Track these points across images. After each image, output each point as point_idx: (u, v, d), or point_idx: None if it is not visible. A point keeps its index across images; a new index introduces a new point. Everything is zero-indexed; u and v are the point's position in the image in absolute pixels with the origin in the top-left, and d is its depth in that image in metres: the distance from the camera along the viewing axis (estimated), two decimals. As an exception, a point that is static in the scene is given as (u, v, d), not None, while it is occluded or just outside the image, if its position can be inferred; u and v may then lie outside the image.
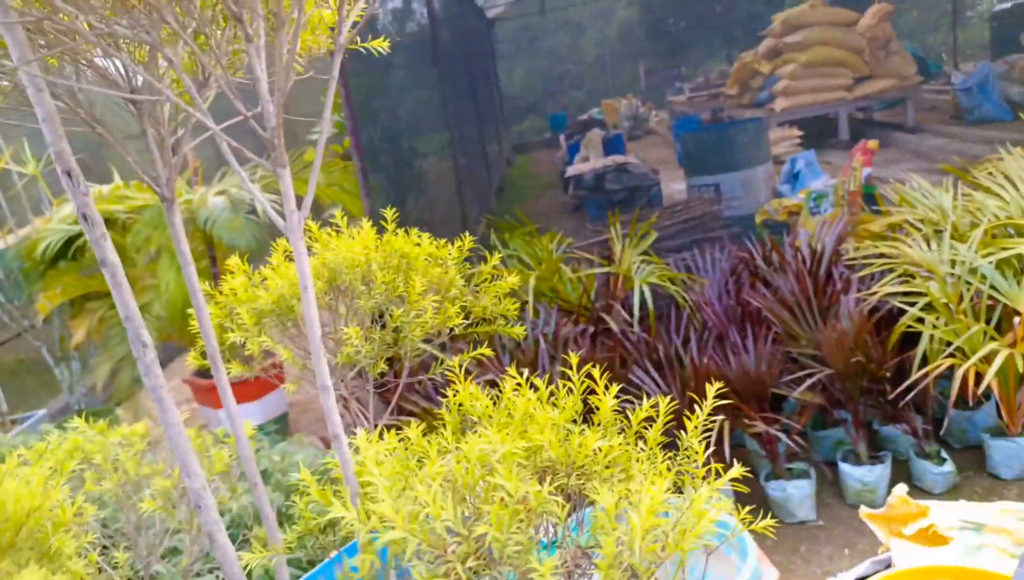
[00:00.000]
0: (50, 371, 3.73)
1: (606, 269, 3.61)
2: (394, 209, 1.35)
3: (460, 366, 1.26)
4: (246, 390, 3.64)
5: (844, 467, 3.04)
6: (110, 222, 3.51)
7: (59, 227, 3.36)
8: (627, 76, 11.76)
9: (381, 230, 1.20)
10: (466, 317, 1.25)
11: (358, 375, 1.22)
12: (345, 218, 1.37)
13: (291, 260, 1.15)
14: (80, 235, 3.40)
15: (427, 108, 6.90)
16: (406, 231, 1.21)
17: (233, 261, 1.15)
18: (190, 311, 1.07)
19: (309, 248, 1.26)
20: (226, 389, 0.95)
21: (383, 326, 1.19)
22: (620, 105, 9.70)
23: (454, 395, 0.87)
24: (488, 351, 1.23)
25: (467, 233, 1.25)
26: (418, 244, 1.22)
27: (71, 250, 3.42)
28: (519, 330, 1.23)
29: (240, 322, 1.11)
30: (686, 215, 4.81)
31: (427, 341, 1.25)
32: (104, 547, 1.11)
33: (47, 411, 3.85)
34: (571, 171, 6.68)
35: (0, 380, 3.56)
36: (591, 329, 3.31)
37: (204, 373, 3.76)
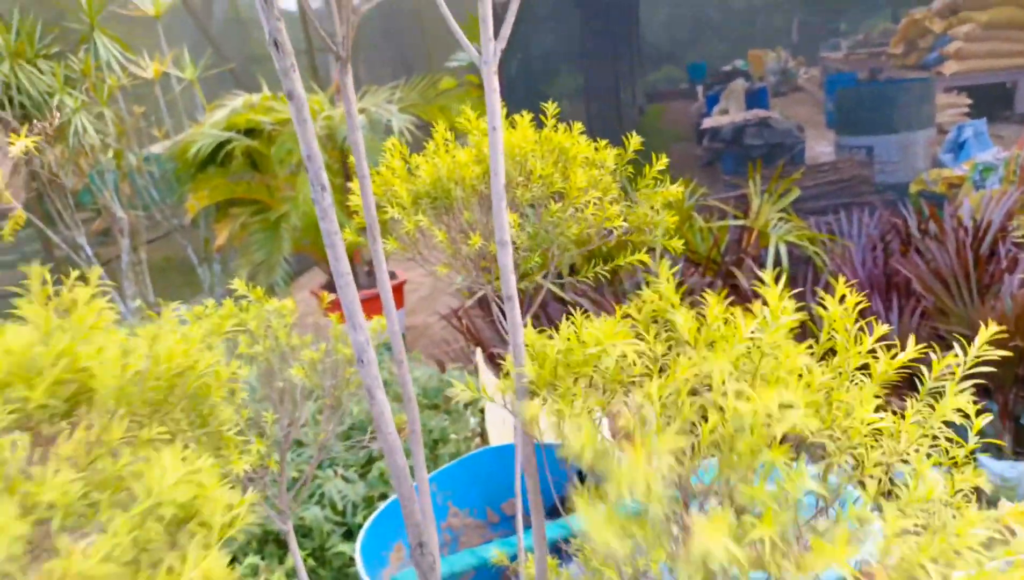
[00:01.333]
0: (194, 270, 3.97)
1: (740, 222, 3.43)
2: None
3: (607, 274, 1.20)
4: (367, 308, 3.74)
5: (983, 460, 2.80)
6: (256, 132, 3.66)
7: (210, 132, 3.52)
8: (778, 27, 11.06)
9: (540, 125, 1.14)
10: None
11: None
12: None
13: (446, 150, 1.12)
14: (228, 141, 3.56)
15: (564, 47, 6.74)
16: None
17: (390, 141, 1.13)
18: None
19: (464, 141, 1.22)
20: (381, 262, 0.93)
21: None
22: (768, 57, 9.14)
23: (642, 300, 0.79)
24: (646, 257, 1.16)
25: (628, 138, 1.17)
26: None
27: (220, 155, 3.59)
28: (677, 243, 1.15)
29: (398, 200, 1.09)
30: (833, 176, 4.49)
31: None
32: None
33: (187, 306, 4.12)
34: (708, 123, 6.38)
35: (149, 275, 3.83)
36: (719, 282, 3.16)
37: (332, 287, 3.90)
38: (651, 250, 1.52)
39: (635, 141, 1.15)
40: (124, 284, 3.71)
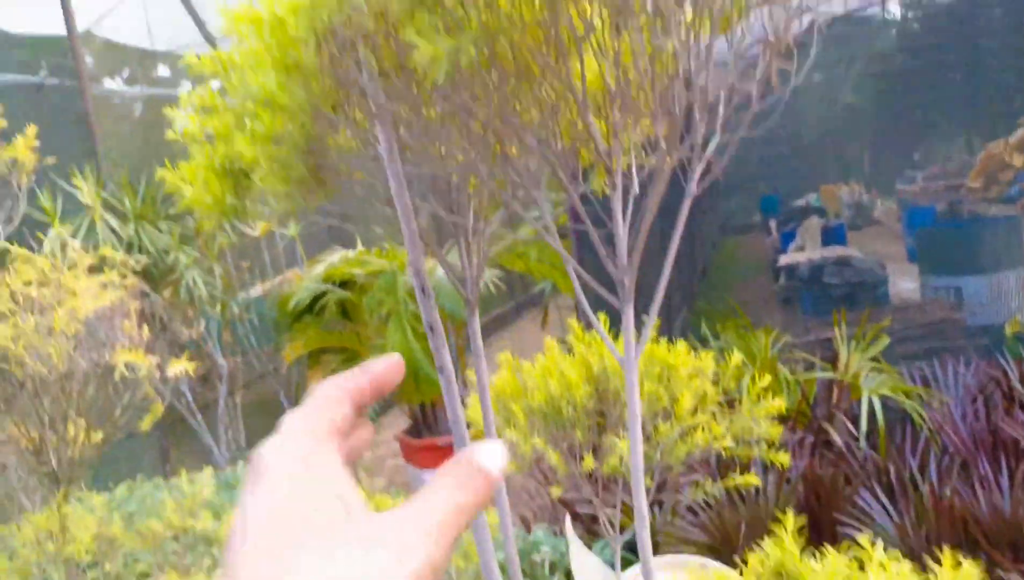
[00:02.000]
0: (284, 414, 4.12)
1: (829, 374, 3.37)
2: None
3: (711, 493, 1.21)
4: (449, 456, 3.78)
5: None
6: (350, 283, 3.88)
7: (309, 285, 3.76)
8: (850, 160, 11.13)
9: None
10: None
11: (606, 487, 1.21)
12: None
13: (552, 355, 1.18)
14: (324, 294, 3.78)
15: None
16: (672, 340, 1.20)
17: (503, 356, 1.20)
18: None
19: (568, 347, 1.28)
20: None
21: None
22: (842, 192, 9.18)
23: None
24: (755, 479, 1.17)
25: (695, 332, 1.21)
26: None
27: (316, 306, 3.80)
28: (784, 457, 1.16)
29: (513, 420, 1.15)
30: (921, 319, 4.39)
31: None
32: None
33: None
34: (785, 260, 6.38)
35: (243, 418, 4.00)
36: (810, 438, 3.08)
37: (415, 432, 3.97)
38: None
39: (735, 359, 1.18)
40: (220, 429, 3.86)
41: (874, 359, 3.56)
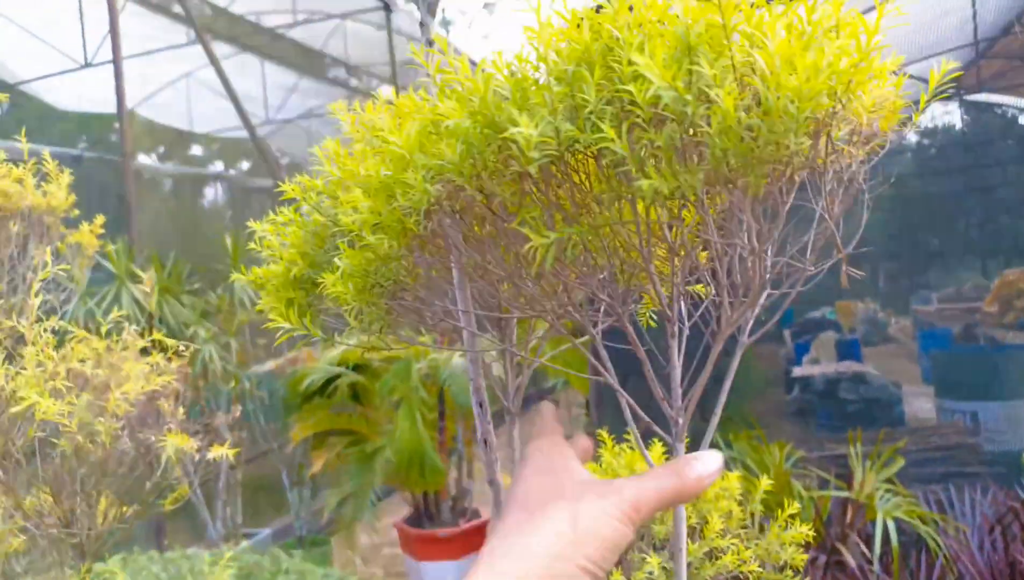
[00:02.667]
0: (283, 493, 4.06)
1: (844, 493, 3.29)
2: (615, 394, 1.34)
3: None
4: (449, 548, 3.68)
5: None
6: (364, 367, 3.90)
7: (323, 367, 3.78)
8: (866, 276, 11.21)
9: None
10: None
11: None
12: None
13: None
14: (338, 376, 3.80)
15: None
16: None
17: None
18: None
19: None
20: None
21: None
22: (856, 308, 9.20)
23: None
24: None
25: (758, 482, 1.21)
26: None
27: (328, 388, 3.81)
28: (803, 584, 1.14)
29: None
30: (936, 442, 4.31)
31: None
32: None
33: (272, 530, 4.16)
34: (799, 372, 6.34)
35: (242, 494, 3.94)
36: (823, 558, 2.98)
37: (414, 521, 3.88)
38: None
39: (764, 483, 1.18)
40: (217, 504, 3.80)
41: (889, 481, 3.48)
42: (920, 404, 6.10)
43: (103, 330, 1.31)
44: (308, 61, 10.00)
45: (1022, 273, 7.84)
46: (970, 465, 4.18)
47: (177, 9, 8.26)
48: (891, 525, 3.11)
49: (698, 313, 0.88)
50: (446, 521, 3.75)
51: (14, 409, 1.08)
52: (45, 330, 1.21)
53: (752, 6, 0.58)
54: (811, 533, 1.19)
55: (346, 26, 8.96)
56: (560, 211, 0.68)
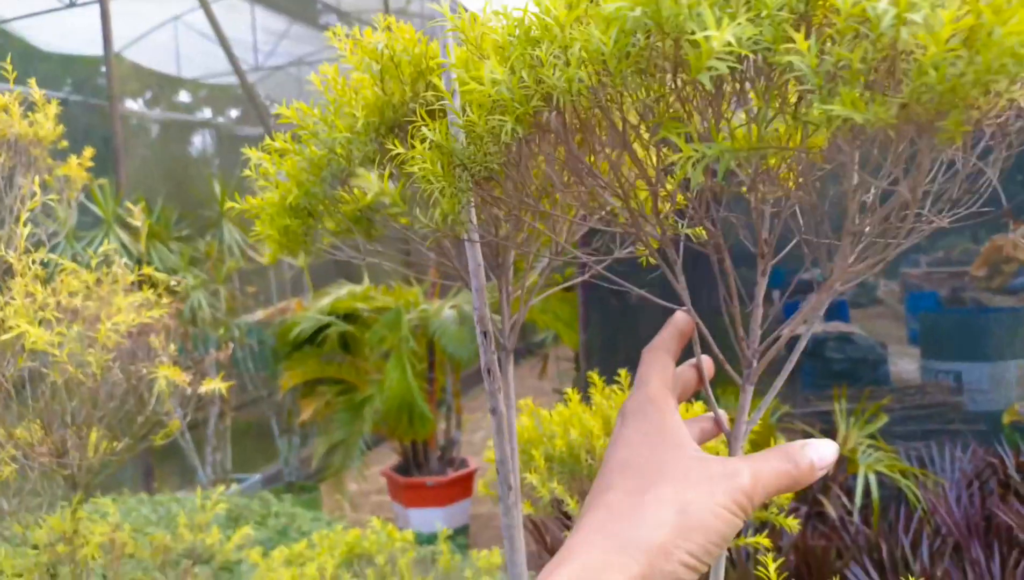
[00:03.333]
0: (272, 440, 4.09)
1: (827, 446, 3.34)
2: (605, 348, 1.34)
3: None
4: (436, 496, 3.73)
5: None
6: (353, 317, 3.89)
7: (313, 316, 3.77)
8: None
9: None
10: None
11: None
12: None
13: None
14: (328, 325, 3.80)
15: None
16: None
17: (523, 402, 1.21)
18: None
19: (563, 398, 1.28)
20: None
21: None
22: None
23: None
24: (765, 540, 1.16)
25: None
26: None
27: (318, 338, 3.81)
28: (792, 522, 1.16)
29: (533, 465, 1.14)
30: (919, 400, 4.38)
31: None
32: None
33: (261, 476, 4.20)
34: (786, 332, 6.36)
35: (231, 441, 3.96)
36: (804, 508, 3.04)
37: (402, 469, 3.93)
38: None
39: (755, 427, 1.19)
40: (207, 450, 3.83)
41: (871, 436, 3.54)
42: (905, 364, 6.17)
43: (93, 263, 1.29)
44: (300, 6, 9.77)
45: (1010, 239, 7.88)
46: (952, 423, 4.25)
47: (163, -51, 8.02)
48: (872, 478, 3.18)
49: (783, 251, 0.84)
50: (434, 470, 3.79)
51: (3, 337, 1.06)
52: (34, 262, 1.19)
53: None
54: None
55: (338, -29, 8.74)
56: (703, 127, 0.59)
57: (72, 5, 6.48)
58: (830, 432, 3.54)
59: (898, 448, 3.54)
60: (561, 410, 1.17)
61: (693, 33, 0.52)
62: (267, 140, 0.96)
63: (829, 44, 0.54)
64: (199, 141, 12.89)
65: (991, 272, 8.05)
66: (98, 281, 1.25)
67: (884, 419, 3.62)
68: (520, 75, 0.64)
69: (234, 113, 13.35)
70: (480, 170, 0.71)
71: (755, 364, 0.81)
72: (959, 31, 0.50)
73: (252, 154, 0.97)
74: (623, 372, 1.30)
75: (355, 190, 0.98)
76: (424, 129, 0.70)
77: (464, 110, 0.70)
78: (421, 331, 3.80)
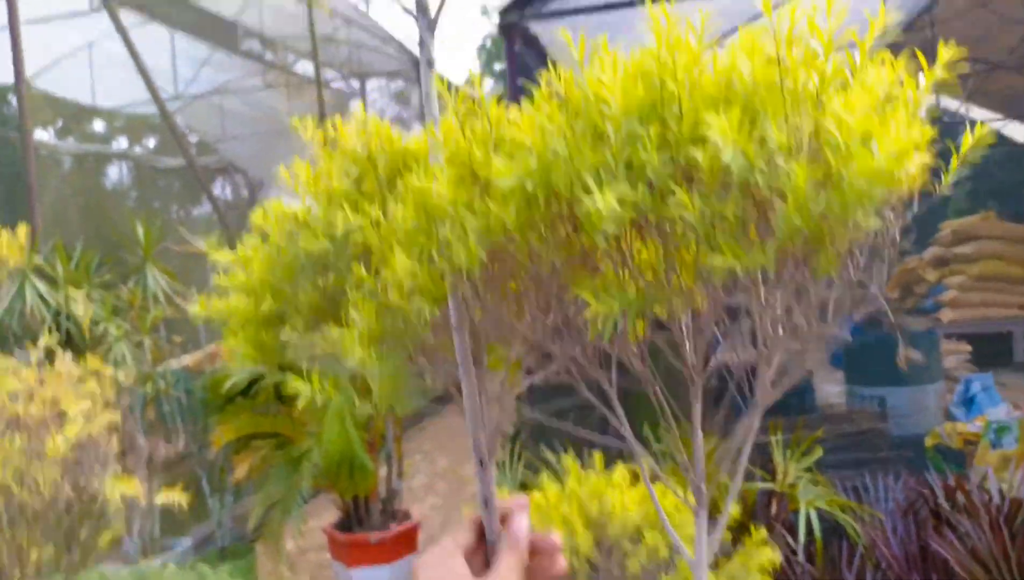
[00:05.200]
0: (203, 499, 3.88)
1: (769, 484, 3.41)
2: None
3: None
4: (381, 552, 3.61)
5: None
6: (289, 365, 3.74)
7: (248, 367, 3.60)
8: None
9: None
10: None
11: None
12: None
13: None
14: (262, 377, 3.64)
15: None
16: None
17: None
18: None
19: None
20: None
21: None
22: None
23: None
24: None
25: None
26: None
27: (252, 389, 3.65)
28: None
29: None
30: (849, 428, 4.52)
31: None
32: None
33: (192, 540, 3.97)
34: (713, 363, 6.47)
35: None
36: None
37: (344, 525, 3.79)
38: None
39: (736, 512, 1.18)
40: (131, 515, 3.60)
41: (808, 469, 3.62)
42: (830, 388, 6.39)
43: (33, 359, 1.18)
44: (221, 33, 9.48)
45: (920, 260, 8.31)
46: (880, 450, 4.40)
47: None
48: (813, 515, 3.24)
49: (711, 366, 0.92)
50: (376, 524, 3.67)
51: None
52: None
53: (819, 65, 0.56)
54: (777, 560, 1.20)
55: (262, -2, 8.53)
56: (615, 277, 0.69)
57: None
58: (769, 466, 3.61)
59: (832, 478, 3.63)
60: (536, 498, 1.14)
61: (581, 198, 0.60)
62: (238, 247, 0.92)
63: (706, 197, 0.62)
64: (115, 173, 12.29)
65: (903, 293, 8.42)
66: (40, 381, 1.15)
67: (819, 452, 3.71)
68: (426, 262, 0.72)
69: (152, 143, 12.80)
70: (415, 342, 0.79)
71: (703, 489, 0.84)
72: (813, 178, 0.57)
73: (221, 257, 0.93)
74: (598, 455, 1.28)
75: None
76: (354, 314, 0.76)
77: (386, 291, 0.76)
78: (359, 378, 3.68)
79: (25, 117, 4.21)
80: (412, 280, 0.71)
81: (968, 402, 5.19)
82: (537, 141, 0.63)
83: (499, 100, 0.69)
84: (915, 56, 0.68)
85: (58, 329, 3.61)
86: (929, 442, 4.75)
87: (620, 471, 1.26)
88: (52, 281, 3.66)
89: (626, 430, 0.83)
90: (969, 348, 6.84)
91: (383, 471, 3.95)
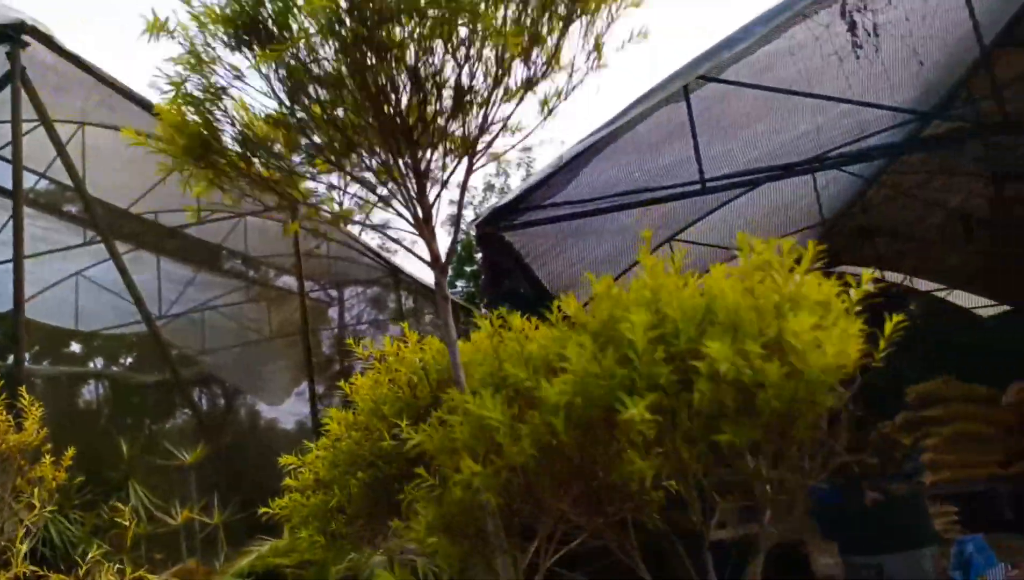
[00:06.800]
0: None
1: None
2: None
3: None
4: None
5: None
6: (276, 576, 3.67)
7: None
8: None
9: None
10: None
11: None
12: None
13: None
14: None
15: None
16: None
17: None
18: None
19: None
20: None
21: None
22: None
23: None
24: None
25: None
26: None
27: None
28: None
29: None
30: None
31: None
32: None
33: None
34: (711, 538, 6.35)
35: None
36: None
37: None
38: None
39: None
40: None
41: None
42: (825, 559, 6.23)
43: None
44: (206, 255, 10.00)
45: (892, 425, 8.44)
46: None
47: (69, 208, 8.21)
48: None
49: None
50: None
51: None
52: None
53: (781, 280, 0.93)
54: None
55: (247, 220, 9.12)
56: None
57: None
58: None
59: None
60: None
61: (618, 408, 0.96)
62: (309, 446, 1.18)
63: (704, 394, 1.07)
64: (88, 392, 12.28)
65: (883, 460, 8.48)
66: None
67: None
68: (488, 464, 1.08)
69: (128, 361, 12.93)
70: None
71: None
72: (782, 373, 0.94)
73: (290, 461, 1.17)
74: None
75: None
76: (419, 508, 1.05)
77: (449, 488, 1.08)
78: (350, 583, 3.60)
79: (21, 349, 4.35)
80: (475, 479, 0.99)
81: (965, 565, 5.12)
82: (576, 363, 0.98)
83: (524, 319, 1.09)
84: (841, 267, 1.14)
85: (32, 555, 3.54)
86: (933, 609, 4.63)
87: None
88: (31, 510, 3.65)
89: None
90: (955, 509, 6.81)
91: None
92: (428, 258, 1.95)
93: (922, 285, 12.17)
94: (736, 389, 0.90)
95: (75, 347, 11.95)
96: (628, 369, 0.90)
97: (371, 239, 11.16)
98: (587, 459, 1.05)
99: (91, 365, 12.64)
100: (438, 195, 2.09)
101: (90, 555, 3.64)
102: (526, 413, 1.00)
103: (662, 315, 0.90)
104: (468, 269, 19.75)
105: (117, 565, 3.73)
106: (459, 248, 21.72)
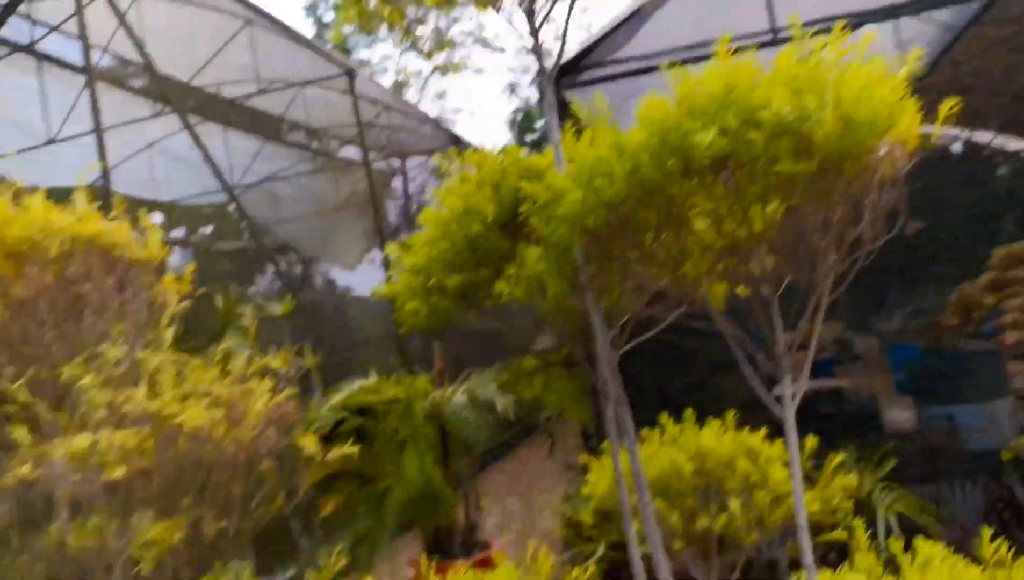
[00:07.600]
0: (291, 540, 4.02)
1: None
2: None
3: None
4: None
5: None
6: (368, 410, 3.94)
7: (327, 412, 3.81)
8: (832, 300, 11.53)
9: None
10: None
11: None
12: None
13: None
14: (343, 420, 3.83)
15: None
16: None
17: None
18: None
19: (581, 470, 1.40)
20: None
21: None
22: (822, 330, 9.47)
23: None
24: (843, 534, 1.27)
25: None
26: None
27: (335, 433, 3.82)
28: (859, 523, 1.28)
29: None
30: (921, 445, 4.51)
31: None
32: None
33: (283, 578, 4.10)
34: (777, 391, 6.47)
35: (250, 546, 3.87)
36: (833, 555, 3.10)
37: (429, 556, 3.87)
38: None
39: (811, 442, 1.33)
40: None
41: (884, 480, 3.63)
42: (897, 413, 6.30)
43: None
44: (270, 127, 10.13)
45: (974, 286, 8.21)
46: (953, 463, 4.37)
47: (135, 83, 8.33)
48: (893, 520, 3.25)
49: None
50: (458, 554, 3.77)
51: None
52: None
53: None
54: (855, 480, 1.33)
55: (306, 92, 9.16)
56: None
57: (52, 141, 6.68)
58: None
59: (911, 490, 3.63)
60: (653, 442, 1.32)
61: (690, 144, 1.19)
62: (407, 240, 1.30)
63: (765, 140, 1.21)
64: (174, 260, 12.96)
65: (963, 319, 8.33)
66: (226, 372, 1.40)
67: (893, 462, 3.73)
68: (587, 194, 1.33)
69: (207, 231, 13.48)
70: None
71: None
72: (837, 118, 1.11)
73: (393, 250, 1.30)
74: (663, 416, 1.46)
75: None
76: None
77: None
78: (433, 418, 3.85)
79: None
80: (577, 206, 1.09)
81: (1040, 415, 5.09)
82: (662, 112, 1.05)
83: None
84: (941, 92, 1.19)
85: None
86: (1006, 455, 4.68)
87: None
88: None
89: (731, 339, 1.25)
90: (1035, 367, 6.70)
91: (460, 506, 4.06)
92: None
93: (1012, 145, 11.44)
94: (793, 138, 1.09)
95: (157, 217, 12.49)
96: (702, 120, 1.07)
97: (431, 108, 11.06)
98: (669, 211, 1.19)
99: (172, 234, 13.22)
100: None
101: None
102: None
103: (733, 84, 1.08)
104: (527, 138, 19.47)
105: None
106: (519, 117, 21.33)
